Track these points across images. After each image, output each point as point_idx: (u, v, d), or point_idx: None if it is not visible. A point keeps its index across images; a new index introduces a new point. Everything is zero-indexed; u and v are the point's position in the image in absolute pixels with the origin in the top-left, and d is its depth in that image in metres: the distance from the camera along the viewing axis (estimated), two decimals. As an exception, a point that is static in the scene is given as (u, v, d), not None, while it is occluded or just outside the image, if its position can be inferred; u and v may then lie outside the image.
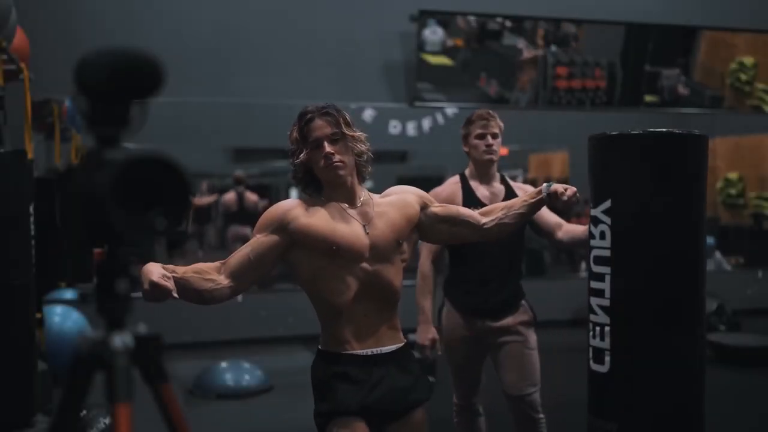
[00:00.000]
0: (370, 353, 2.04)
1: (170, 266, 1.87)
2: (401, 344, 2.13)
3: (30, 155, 4.00)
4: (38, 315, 4.01)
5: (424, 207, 2.18)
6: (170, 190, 1.06)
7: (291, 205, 2.03)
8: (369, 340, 2.04)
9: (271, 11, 7.13)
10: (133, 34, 6.37)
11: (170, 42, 6.36)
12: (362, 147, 2.06)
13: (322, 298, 2.04)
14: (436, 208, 2.22)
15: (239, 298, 7.70)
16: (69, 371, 1.09)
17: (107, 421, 3.27)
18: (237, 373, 5.06)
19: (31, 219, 3.70)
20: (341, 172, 2.00)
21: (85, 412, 3.25)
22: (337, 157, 1.98)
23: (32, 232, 3.71)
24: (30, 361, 3.57)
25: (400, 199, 2.14)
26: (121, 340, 1.07)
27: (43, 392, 3.83)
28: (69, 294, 5.94)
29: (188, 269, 1.92)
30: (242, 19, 7.09)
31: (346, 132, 2.01)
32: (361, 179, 2.10)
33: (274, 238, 1.99)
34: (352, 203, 2.06)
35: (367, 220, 2.05)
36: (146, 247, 1.09)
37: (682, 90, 7.76)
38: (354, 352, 2.03)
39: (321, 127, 1.99)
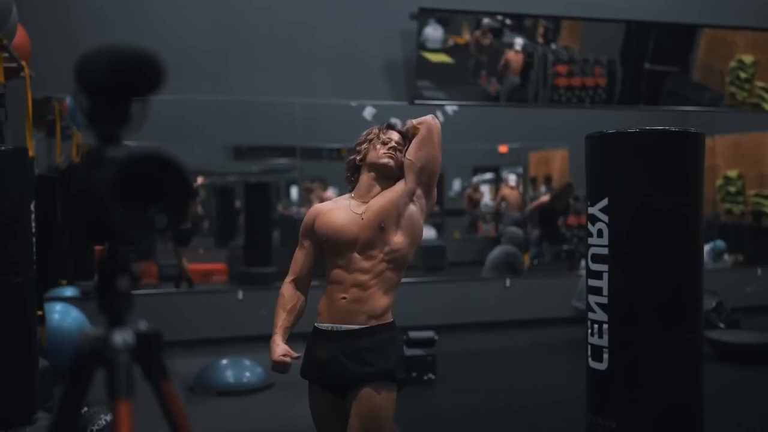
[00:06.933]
0: (331, 328, 2.35)
1: (281, 327, 2.39)
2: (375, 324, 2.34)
3: (31, 153, 4.00)
4: (39, 312, 4.01)
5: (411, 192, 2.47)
6: (171, 188, 1.07)
7: (316, 210, 2.49)
8: (338, 316, 2.34)
9: (272, 9, 7.12)
10: (133, 31, 6.36)
11: (171, 40, 6.36)
12: (401, 170, 2.44)
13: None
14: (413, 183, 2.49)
15: (240, 295, 7.61)
16: (70, 368, 1.10)
17: (108, 417, 3.28)
18: (237, 370, 5.07)
19: (32, 216, 3.70)
20: (391, 163, 2.41)
21: (86, 408, 3.26)
22: (393, 153, 2.43)
23: (33, 230, 3.72)
24: (31, 359, 3.58)
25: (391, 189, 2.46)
26: (121, 337, 1.07)
27: (44, 389, 3.84)
28: (68, 291, 5.94)
29: (291, 317, 2.43)
30: (243, 17, 7.09)
31: (406, 154, 2.46)
32: (383, 185, 2.45)
33: (310, 241, 2.47)
34: (365, 199, 2.42)
35: (362, 210, 2.40)
36: (147, 244, 1.10)
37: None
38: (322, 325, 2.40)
39: (393, 136, 2.48)
